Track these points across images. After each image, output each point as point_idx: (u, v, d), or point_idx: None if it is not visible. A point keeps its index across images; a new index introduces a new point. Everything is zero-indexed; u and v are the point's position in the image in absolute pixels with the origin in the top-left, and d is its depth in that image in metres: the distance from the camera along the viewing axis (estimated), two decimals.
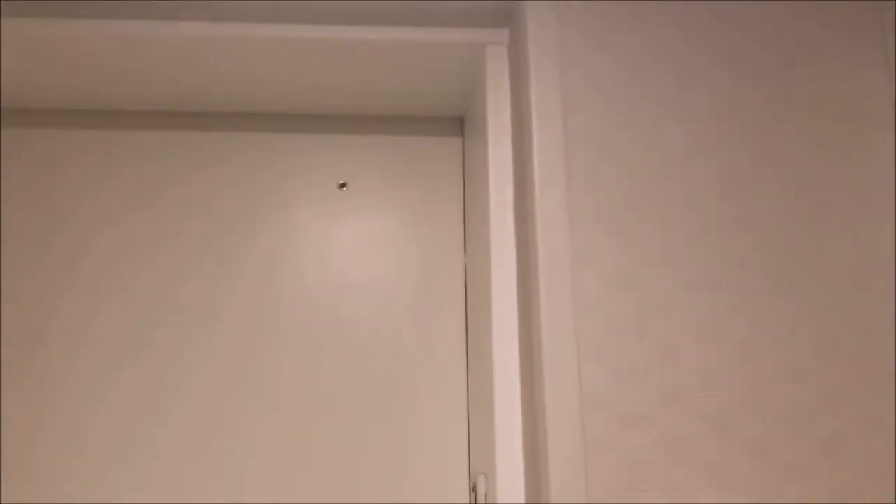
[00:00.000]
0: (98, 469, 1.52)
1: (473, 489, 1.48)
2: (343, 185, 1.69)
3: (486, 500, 1.37)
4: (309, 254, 1.66)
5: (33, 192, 1.65)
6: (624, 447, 1.17)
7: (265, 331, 1.61)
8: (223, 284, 1.63)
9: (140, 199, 1.67)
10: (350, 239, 1.68)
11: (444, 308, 1.66)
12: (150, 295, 1.62)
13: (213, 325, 1.61)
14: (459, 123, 1.76)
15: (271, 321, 1.62)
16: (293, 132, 1.73)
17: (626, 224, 1.27)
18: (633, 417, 1.19)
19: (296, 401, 1.58)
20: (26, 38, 1.44)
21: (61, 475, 1.51)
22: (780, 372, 1.22)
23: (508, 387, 1.33)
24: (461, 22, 1.47)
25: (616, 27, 1.37)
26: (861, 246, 1.29)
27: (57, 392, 1.55)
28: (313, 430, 1.57)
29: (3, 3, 1.40)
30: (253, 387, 1.58)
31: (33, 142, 1.68)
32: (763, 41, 1.38)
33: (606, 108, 1.33)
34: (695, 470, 1.16)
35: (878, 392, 1.23)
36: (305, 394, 1.59)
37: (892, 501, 1.18)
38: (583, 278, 1.25)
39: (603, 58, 1.35)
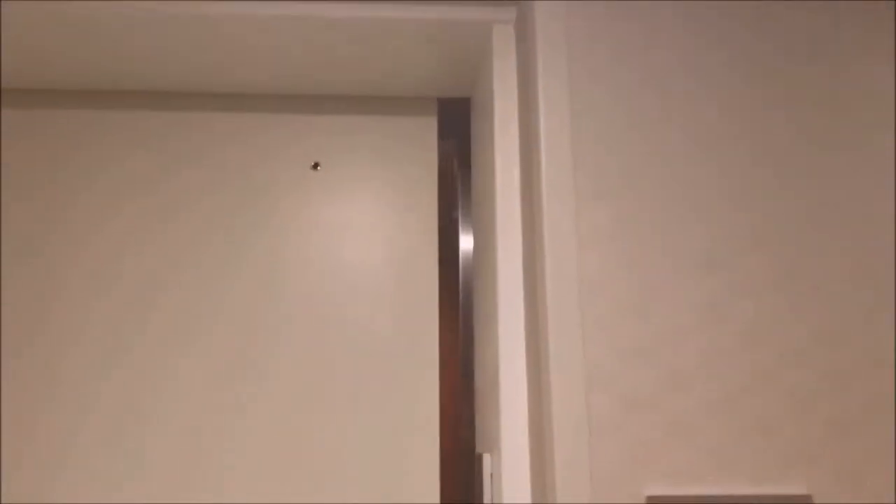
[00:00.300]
0: (94, 466, 1.52)
1: (479, 466, 1.49)
2: (316, 166, 1.66)
3: (491, 478, 1.38)
4: (292, 239, 1.65)
5: (27, 177, 1.64)
6: (628, 429, 1.18)
7: (232, 317, 1.59)
8: (199, 273, 1.61)
9: (112, 182, 1.65)
10: (323, 221, 1.65)
11: (419, 293, 1.64)
12: (130, 284, 1.61)
13: (185, 312, 1.59)
14: (435, 104, 1.73)
15: (240, 307, 1.60)
16: (269, 112, 1.70)
17: (632, 206, 1.27)
18: (637, 399, 1.19)
19: (270, 390, 1.57)
20: (28, 16, 1.43)
21: (60, 472, 1.51)
22: (785, 354, 1.22)
23: (513, 367, 1.33)
24: None
25: (624, 12, 1.35)
26: (867, 229, 1.28)
27: (54, 383, 1.55)
28: (280, 417, 1.56)
29: None
30: (232, 378, 1.57)
31: (28, 124, 1.66)
32: None
33: (613, 91, 1.32)
34: (699, 453, 1.17)
35: (883, 376, 1.22)
36: (280, 383, 1.57)
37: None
38: (588, 260, 1.24)
39: (610, 41, 1.34)
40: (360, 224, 1.65)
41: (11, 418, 1.53)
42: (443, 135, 1.79)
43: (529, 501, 1.28)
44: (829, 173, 1.31)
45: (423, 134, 1.70)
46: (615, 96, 1.32)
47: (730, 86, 1.34)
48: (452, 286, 1.80)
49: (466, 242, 1.77)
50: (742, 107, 1.33)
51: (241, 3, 1.42)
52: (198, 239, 1.63)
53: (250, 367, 1.58)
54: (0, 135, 1.67)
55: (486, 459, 1.41)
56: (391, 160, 1.68)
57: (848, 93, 1.35)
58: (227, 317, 1.59)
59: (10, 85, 1.67)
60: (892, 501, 1.18)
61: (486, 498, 1.39)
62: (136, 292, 1.60)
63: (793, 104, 1.34)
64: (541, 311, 1.25)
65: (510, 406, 1.32)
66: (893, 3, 1.36)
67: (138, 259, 1.62)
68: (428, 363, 1.60)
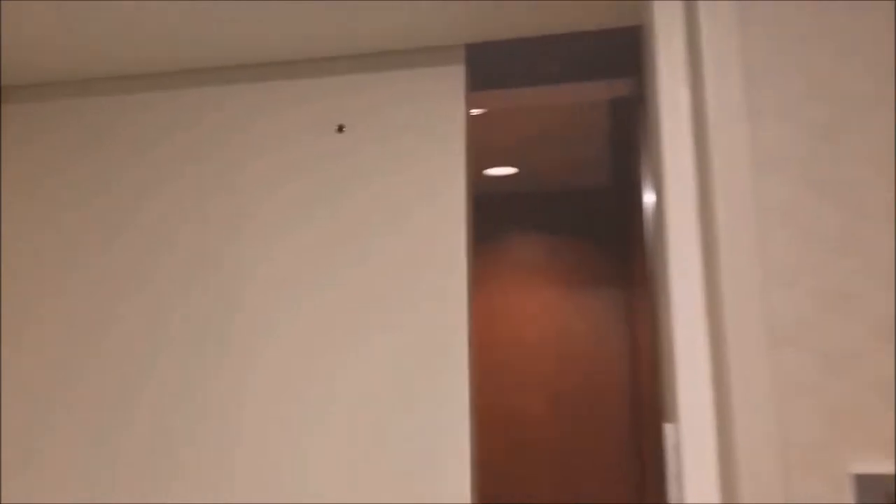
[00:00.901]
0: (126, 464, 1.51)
1: (665, 438, 1.32)
2: (341, 129, 1.54)
3: (675, 451, 1.21)
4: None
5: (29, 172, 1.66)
6: (828, 391, 0.95)
7: (258, 284, 1.53)
8: (229, 239, 1.57)
9: (139, 154, 1.64)
10: (348, 180, 1.54)
11: (446, 253, 1.47)
12: (170, 256, 1.59)
13: (218, 277, 1.55)
14: (462, 51, 1.53)
15: (266, 273, 1.53)
16: (292, 78, 1.60)
17: (820, 116, 1.02)
18: (837, 354, 0.96)
19: (283, 363, 1.49)
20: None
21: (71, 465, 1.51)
22: None
23: (689, 323, 1.14)
24: None
25: None
26: None
27: (61, 372, 1.55)
28: (297, 392, 1.47)
29: None
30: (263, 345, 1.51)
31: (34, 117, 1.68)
32: None
33: None
34: None
35: None
36: (298, 359, 1.49)
37: None
38: (769, 185, 1.02)
39: None
40: (385, 183, 1.52)
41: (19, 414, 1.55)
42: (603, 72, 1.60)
43: (715, 476, 1.09)
44: None
45: (451, 83, 1.53)
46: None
47: None
48: (637, 243, 1.63)
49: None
50: None
51: None
52: (229, 209, 1.58)
53: (285, 327, 1.50)
54: (2, 129, 1.71)
55: (669, 430, 1.23)
56: (418, 114, 1.53)
57: None
58: (258, 284, 1.53)
59: (20, 81, 1.69)
60: None
61: (671, 472, 1.22)
62: (175, 263, 1.58)
63: None
64: (713, 250, 1.06)
65: (688, 369, 1.14)
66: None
67: (174, 234, 1.60)
68: (456, 329, 1.43)
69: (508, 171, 2.67)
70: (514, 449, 2.85)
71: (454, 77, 1.52)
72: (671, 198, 1.18)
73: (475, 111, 2.07)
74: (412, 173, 1.52)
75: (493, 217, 3.00)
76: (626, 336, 2.79)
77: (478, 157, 2.56)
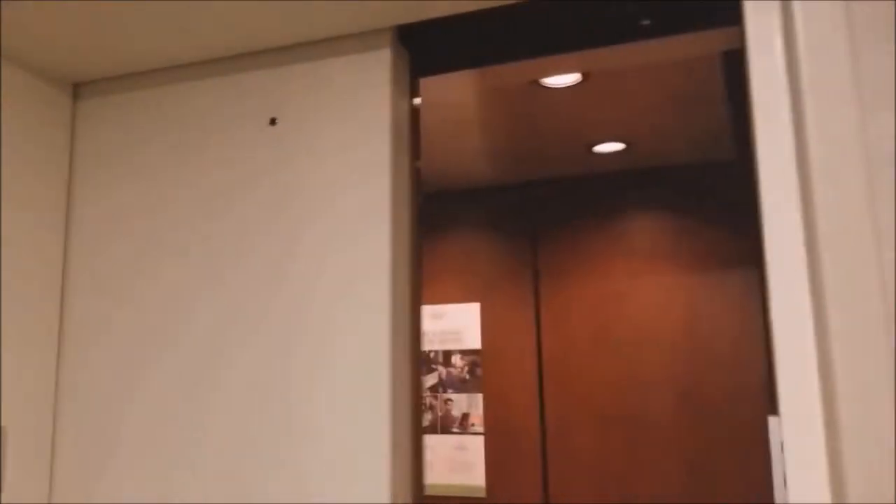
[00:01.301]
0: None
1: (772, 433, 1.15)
2: (273, 121, 1.44)
3: (780, 446, 1.05)
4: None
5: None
6: None
7: (199, 283, 1.47)
8: (168, 241, 1.52)
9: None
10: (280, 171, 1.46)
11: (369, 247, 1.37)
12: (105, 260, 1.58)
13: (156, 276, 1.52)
14: (389, 35, 1.41)
15: (208, 273, 1.47)
16: (222, 74, 1.53)
17: None
18: None
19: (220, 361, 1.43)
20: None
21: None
22: None
23: (788, 298, 0.98)
24: None
25: None
26: None
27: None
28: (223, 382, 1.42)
29: None
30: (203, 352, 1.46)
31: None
32: None
33: None
34: None
35: None
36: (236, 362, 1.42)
37: None
38: (879, 126, 0.85)
39: None
40: (316, 176, 1.43)
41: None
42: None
43: (824, 476, 0.93)
44: None
45: (378, 68, 1.42)
46: None
47: None
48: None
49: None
50: None
51: None
52: (168, 207, 1.53)
53: (218, 332, 1.44)
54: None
55: (773, 424, 1.07)
56: (349, 102, 1.43)
57: None
58: (194, 282, 1.47)
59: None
60: None
61: (777, 470, 1.06)
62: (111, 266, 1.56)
63: None
64: (813, 209, 0.89)
65: (790, 352, 0.99)
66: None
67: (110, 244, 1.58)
68: (376, 328, 1.33)
69: (618, 146, 2.50)
70: (638, 450, 2.68)
71: (381, 62, 1.41)
72: (764, 153, 1.02)
73: (557, 81, 1.90)
74: (338, 163, 1.42)
75: (605, 198, 2.83)
76: (763, 324, 2.54)
77: (583, 134, 2.41)
